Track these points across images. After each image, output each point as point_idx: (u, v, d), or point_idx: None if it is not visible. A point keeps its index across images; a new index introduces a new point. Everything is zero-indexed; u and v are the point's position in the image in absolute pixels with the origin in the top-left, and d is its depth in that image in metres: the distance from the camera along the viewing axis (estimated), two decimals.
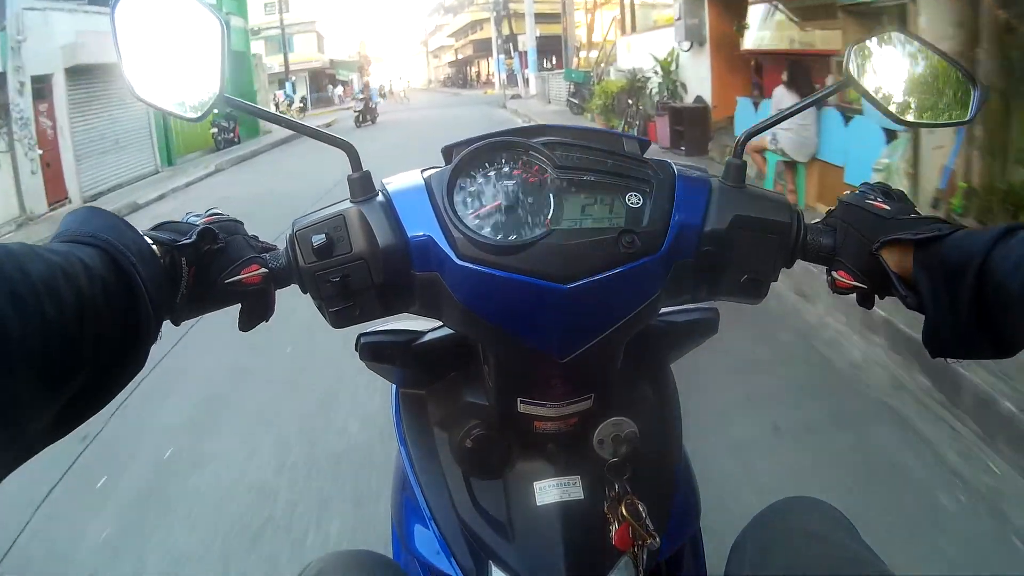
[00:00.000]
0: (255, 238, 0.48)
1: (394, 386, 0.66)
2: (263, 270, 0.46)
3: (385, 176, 0.52)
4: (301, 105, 19.36)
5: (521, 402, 0.53)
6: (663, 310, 0.55)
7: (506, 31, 25.13)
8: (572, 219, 0.47)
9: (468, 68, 43.85)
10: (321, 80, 33.20)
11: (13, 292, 0.26)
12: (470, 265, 0.45)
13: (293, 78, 30.70)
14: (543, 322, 0.46)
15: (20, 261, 0.27)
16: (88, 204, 0.40)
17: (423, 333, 0.61)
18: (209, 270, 0.43)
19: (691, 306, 0.63)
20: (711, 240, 0.49)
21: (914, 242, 0.42)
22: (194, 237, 0.40)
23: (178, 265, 0.39)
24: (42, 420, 0.28)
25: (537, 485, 0.57)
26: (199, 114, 0.46)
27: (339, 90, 29.49)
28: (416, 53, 71.72)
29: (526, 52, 17.36)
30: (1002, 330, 0.39)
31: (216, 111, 0.38)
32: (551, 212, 0.47)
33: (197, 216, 0.46)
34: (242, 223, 0.48)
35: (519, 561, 0.54)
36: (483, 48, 32.33)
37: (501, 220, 0.47)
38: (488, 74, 36.32)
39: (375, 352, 0.60)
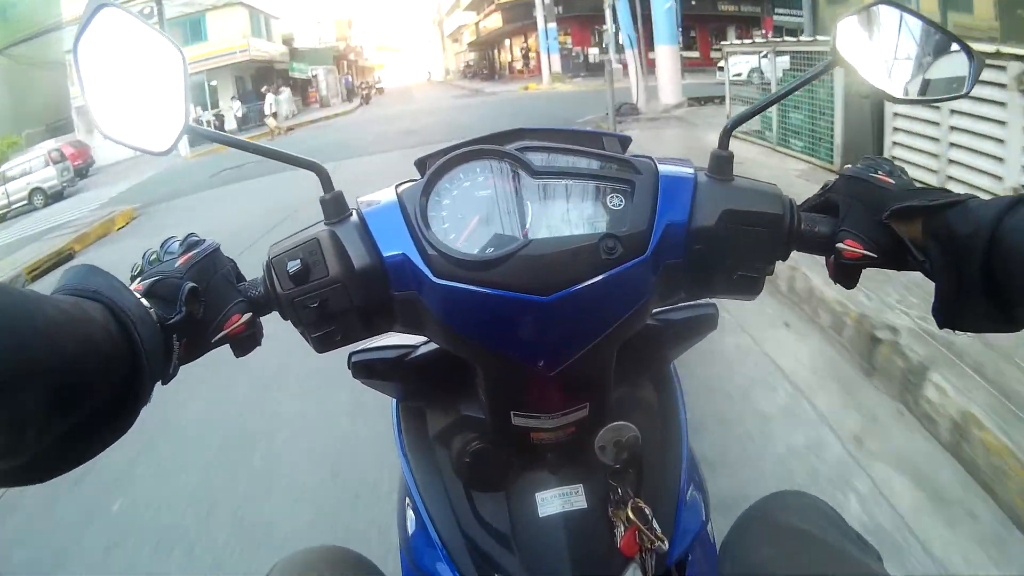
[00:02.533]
0: (233, 266, 0.61)
1: (394, 399, 0.81)
2: (247, 316, 0.58)
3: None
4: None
5: (514, 415, 0.65)
6: (659, 308, 0.68)
7: None
8: (551, 227, 0.57)
9: (494, 51, 42.59)
10: (270, 80, 24.57)
11: (29, 327, 0.35)
12: (447, 283, 0.55)
13: (214, 81, 23.24)
14: (527, 336, 0.56)
15: (28, 307, 0.36)
16: (86, 263, 0.53)
17: (416, 347, 0.74)
18: (197, 334, 0.55)
19: (688, 303, 0.75)
20: (700, 237, 0.58)
21: (926, 209, 0.52)
22: (183, 312, 0.52)
23: (170, 341, 0.50)
24: (26, 458, 0.36)
25: (539, 496, 0.69)
26: (167, 147, 0.58)
27: (282, 96, 25.10)
28: (430, 40, 68.09)
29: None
30: (1012, 303, 0.48)
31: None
32: (529, 221, 0.57)
33: (177, 243, 0.59)
34: (218, 248, 0.60)
35: (524, 573, 0.65)
36: (518, 15, 30.19)
37: (478, 233, 0.57)
38: (528, 58, 33.80)
39: (367, 370, 0.74)
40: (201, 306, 0.55)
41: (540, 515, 0.68)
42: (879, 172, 0.58)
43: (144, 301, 0.49)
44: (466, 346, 0.60)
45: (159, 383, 0.50)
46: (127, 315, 0.44)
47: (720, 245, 0.59)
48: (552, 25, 22.97)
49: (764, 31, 24.68)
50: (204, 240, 0.61)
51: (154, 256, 0.60)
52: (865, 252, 0.56)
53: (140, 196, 10.52)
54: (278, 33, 31.65)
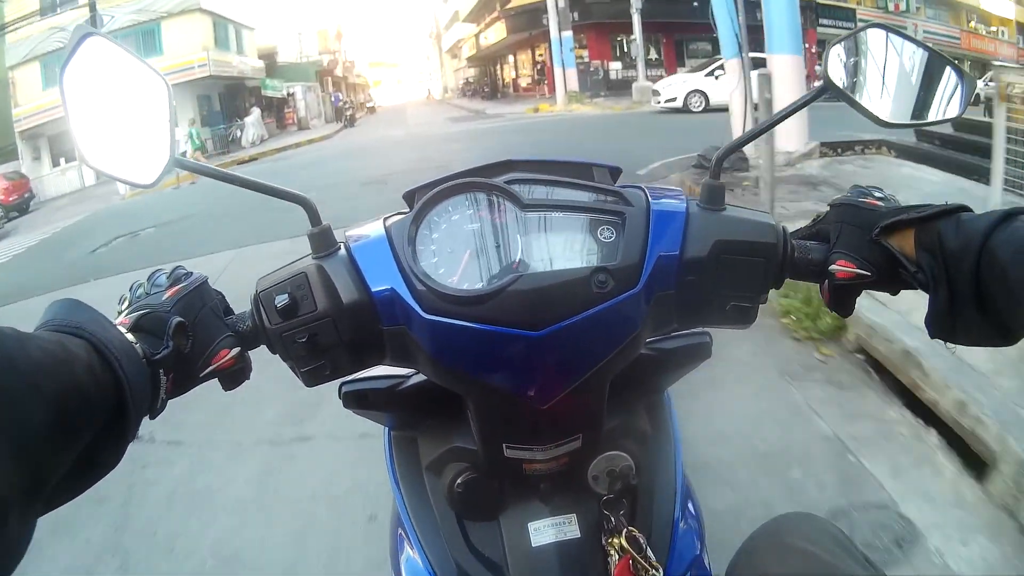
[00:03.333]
0: (221, 299, 0.67)
1: (386, 428, 0.89)
2: (235, 351, 0.63)
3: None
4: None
5: (507, 447, 0.71)
6: (652, 337, 0.74)
7: None
8: (542, 260, 0.62)
9: (496, 67, 42.03)
10: (243, 99, 22.30)
11: (10, 369, 0.39)
12: (436, 318, 0.60)
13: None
14: (518, 370, 0.61)
15: (9, 347, 0.40)
16: (70, 297, 0.57)
17: (407, 377, 0.80)
18: (185, 369, 0.60)
19: (682, 331, 0.82)
20: (692, 268, 0.63)
21: (916, 221, 0.58)
22: (170, 346, 0.56)
23: (156, 375, 0.55)
24: (17, 500, 0.39)
25: (532, 526, 0.75)
26: (152, 180, 0.62)
27: (248, 118, 25.31)
28: (428, 56, 67.59)
29: None
30: (1003, 317, 0.52)
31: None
32: (519, 255, 0.62)
33: (165, 275, 0.64)
34: (206, 281, 0.65)
35: None
36: (526, 24, 28.38)
37: (468, 267, 0.62)
38: (541, 72, 32.11)
39: (359, 400, 0.80)
40: (189, 340, 0.60)
41: (533, 545, 0.74)
42: (868, 197, 0.65)
43: (129, 336, 0.54)
44: (457, 380, 0.65)
45: (146, 418, 0.55)
46: (111, 351, 0.48)
47: (712, 275, 0.64)
48: (567, 34, 22.18)
49: (808, 45, 23.12)
50: (192, 273, 0.66)
51: (141, 289, 0.64)
52: (858, 271, 0.61)
53: None
54: (253, 46, 30.86)
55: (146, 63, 0.62)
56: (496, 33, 32.14)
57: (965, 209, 0.57)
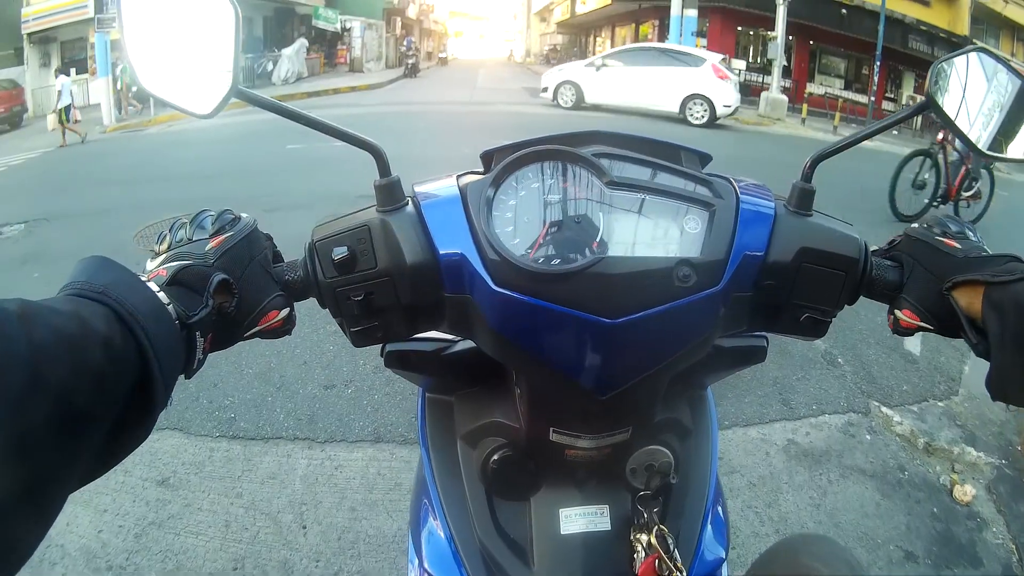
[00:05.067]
0: (270, 246, 0.67)
1: (421, 388, 0.90)
2: (284, 312, 0.63)
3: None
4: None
5: (553, 431, 0.72)
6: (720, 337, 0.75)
7: None
8: (623, 244, 0.62)
9: (588, 38, 38.80)
10: (291, 27, 17.64)
11: (4, 357, 0.38)
12: (507, 292, 0.60)
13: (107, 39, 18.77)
14: (584, 357, 0.61)
15: (16, 324, 0.40)
16: (98, 255, 0.56)
17: (454, 342, 0.82)
18: (228, 329, 0.61)
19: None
20: (773, 273, 0.65)
21: (987, 283, 0.59)
22: (209, 305, 0.56)
23: (193, 336, 0.55)
24: (55, 478, 0.41)
25: (563, 512, 0.76)
26: (210, 110, 0.62)
27: (289, 49, 16.67)
28: (516, 14, 64.01)
29: None
30: None
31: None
32: (600, 235, 0.62)
33: (211, 218, 0.63)
34: (255, 225, 0.65)
35: None
36: None
37: (545, 242, 0.62)
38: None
39: (401, 360, 0.81)
40: (235, 299, 0.60)
41: (561, 532, 0.76)
42: (945, 235, 0.66)
43: (162, 295, 0.53)
44: (517, 357, 0.66)
45: (181, 377, 0.56)
46: (136, 319, 0.48)
47: (792, 283, 0.66)
48: (692, 13, 18.37)
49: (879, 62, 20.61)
50: (240, 217, 0.65)
51: (182, 231, 0.63)
52: (920, 324, 0.64)
53: None
54: None
55: None
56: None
57: None
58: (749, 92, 19.61)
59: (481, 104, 17.14)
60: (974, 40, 21.06)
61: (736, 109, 14.52)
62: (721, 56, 15.40)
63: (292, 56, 23.13)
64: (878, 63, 18.01)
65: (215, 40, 0.61)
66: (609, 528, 0.76)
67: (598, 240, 0.61)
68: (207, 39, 0.61)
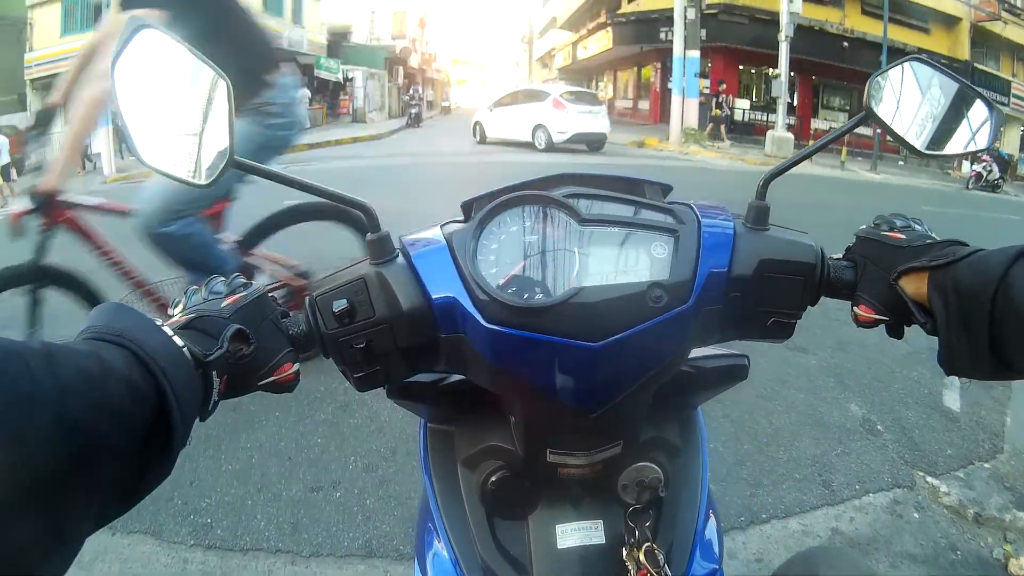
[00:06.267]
0: (282, 311, 0.70)
1: (422, 420, 0.96)
2: (297, 366, 0.67)
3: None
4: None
5: (550, 452, 0.76)
6: (693, 354, 0.80)
7: None
8: (599, 274, 0.68)
9: (590, 82, 39.56)
10: None
11: (32, 396, 0.40)
12: (498, 328, 0.64)
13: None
14: (574, 380, 0.66)
15: (42, 363, 0.41)
16: (113, 302, 0.60)
17: (450, 374, 0.86)
18: (242, 374, 0.63)
19: (721, 351, 0.90)
20: (738, 286, 0.70)
21: (928, 268, 0.64)
22: (225, 346, 0.59)
23: (209, 376, 0.57)
24: (78, 515, 0.42)
25: (559, 528, 0.81)
26: (209, 180, 0.64)
27: None
28: (517, 61, 65.49)
29: None
30: (1014, 350, 0.57)
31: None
32: (576, 268, 0.68)
33: (223, 283, 0.67)
34: (264, 291, 0.68)
35: None
36: (638, 35, 24.90)
37: (527, 280, 0.67)
38: (638, 97, 23.39)
39: (403, 391, 0.84)
40: (252, 347, 0.63)
41: (559, 547, 0.80)
42: (892, 230, 0.71)
43: (177, 339, 0.55)
44: (512, 387, 0.71)
45: (197, 420, 0.58)
46: (153, 360, 0.49)
47: (756, 292, 0.70)
48: (694, 54, 18.84)
49: None
50: (251, 283, 0.69)
51: (197, 295, 0.66)
52: (877, 317, 0.69)
53: None
54: (318, 19, 29.70)
55: (203, 57, 0.63)
56: (598, 43, 30.82)
57: (979, 251, 0.63)
58: (753, 131, 19.68)
59: (483, 154, 16.72)
60: (975, 64, 21.89)
61: (592, 136, 16.55)
62: (565, 89, 17.91)
63: None
64: None
65: (209, 111, 0.63)
66: (604, 541, 0.81)
67: (576, 272, 0.67)
68: (201, 111, 0.63)
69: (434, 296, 0.67)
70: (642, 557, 0.74)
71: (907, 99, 0.72)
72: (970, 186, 16.37)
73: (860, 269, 0.72)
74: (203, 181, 0.64)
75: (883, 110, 0.71)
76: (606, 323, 0.64)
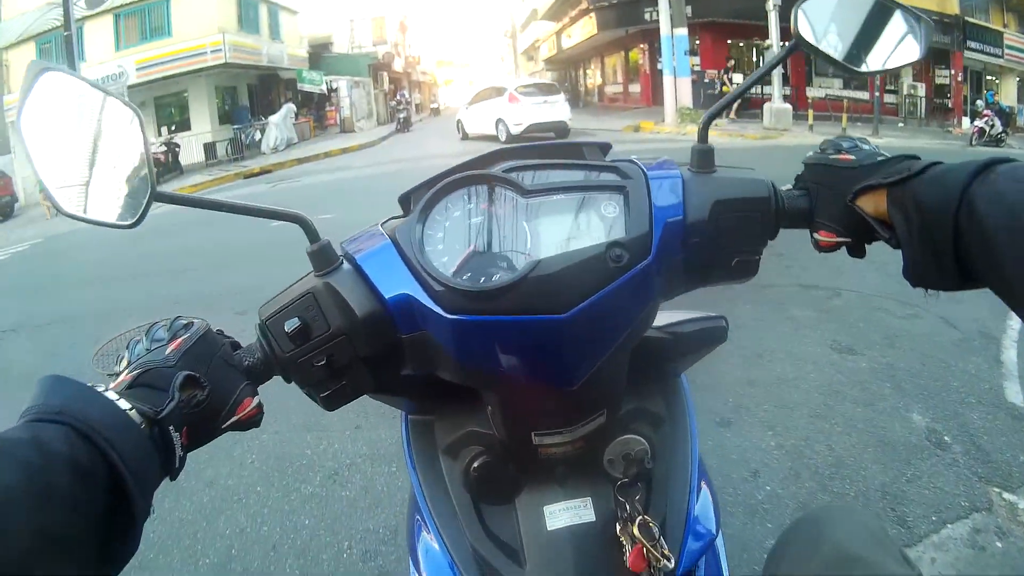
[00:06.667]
0: (230, 343, 0.67)
1: (403, 412, 0.93)
2: (257, 399, 0.64)
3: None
4: None
5: (535, 435, 0.75)
6: (669, 320, 0.86)
7: None
8: (553, 243, 0.66)
9: (577, 71, 39.64)
10: (276, 92, 17.42)
11: None
12: (460, 317, 0.63)
13: (186, 92, 18.34)
14: (547, 355, 0.65)
15: None
16: (53, 375, 0.54)
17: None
18: (202, 421, 0.60)
19: (698, 315, 0.90)
20: (696, 231, 0.70)
21: (886, 185, 0.64)
22: (176, 397, 0.56)
23: (167, 433, 0.54)
24: None
25: (547, 509, 0.79)
26: (134, 219, 0.61)
27: (275, 117, 23.29)
28: (503, 56, 65.44)
29: None
30: (978, 264, 0.57)
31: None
32: (529, 242, 0.66)
33: (163, 328, 0.63)
34: (208, 326, 0.65)
35: None
36: (622, 19, 24.47)
37: (481, 262, 0.65)
38: (628, 81, 30.70)
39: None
40: (206, 392, 0.60)
41: (548, 528, 0.78)
42: (839, 152, 0.71)
43: (123, 403, 0.53)
44: (485, 377, 0.69)
45: (167, 480, 0.56)
46: (98, 432, 0.47)
47: (715, 235, 0.70)
48: (682, 32, 18.15)
49: (953, 71, 21.24)
50: (192, 322, 0.65)
51: (140, 346, 0.63)
52: (838, 239, 0.70)
53: None
54: (296, 32, 29.79)
55: (111, 93, 0.61)
56: (582, 30, 30.13)
57: (936, 164, 0.64)
58: (749, 106, 19.29)
59: (467, 152, 16.16)
60: (965, 18, 21.32)
61: (550, 124, 17.01)
62: (521, 83, 19.36)
63: (280, 123, 23.03)
64: None
65: (123, 147, 0.60)
66: (594, 519, 0.79)
67: (529, 247, 0.66)
68: (115, 148, 0.60)
69: (388, 296, 0.66)
70: (636, 531, 0.73)
71: (834, 23, 0.73)
72: (973, 142, 15.91)
73: (814, 196, 0.73)
74: (130, 221, 0.60)
75: (813, 36, 0.72)
76: (569, 292, 0.63)
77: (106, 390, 0.54)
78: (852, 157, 0.69)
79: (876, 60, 0.74)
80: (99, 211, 0.61)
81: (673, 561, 0.72)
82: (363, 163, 17.41)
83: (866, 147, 0.72)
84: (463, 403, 0.82)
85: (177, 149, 19.34)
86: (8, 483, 0.40)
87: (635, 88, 29.60)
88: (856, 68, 0.74)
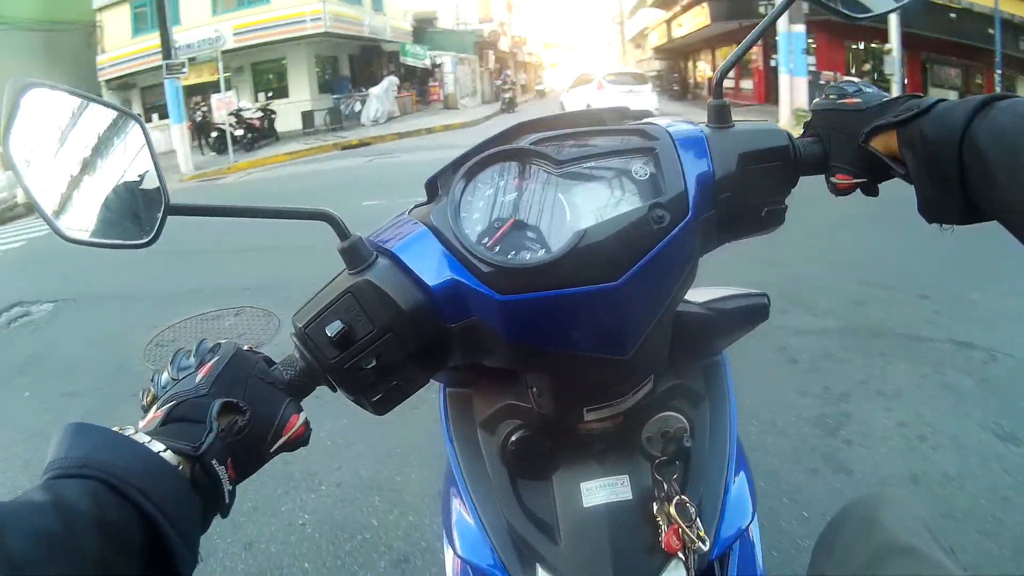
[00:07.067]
0: (263, 359, 0.63)
1: (441, 384, 0.94)
2: (303, 415, 0.62)
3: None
4: None
5: (587, 411, 0.75)
6: (711, 296, 0.86)
7: None
8: (594, 212, 0.66)
9: (687, 63, 36.73)
10: (378, 65, 18.30)
11: None
12: (516, 298, 0.62)
13: (284, 59, 18.87)
14: (602, 325, 0.65)
15: None
16: (75, 423, 0.47)
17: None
18: (248, 449, 0.56)
19: (740, 291, 0.90)
20: (725, 185, 0.70)
21: (895, 124, 0.66)
22: (215, 428, 0.52)
23: (210, 468, 0.51)
24: None
25: (584, 486, 0.79)
26: (150, 236, 0.57)
27: (377, 89, 22.58)
28: (610, 42, 65.17)
29: None
30: (983, 197, 0.59)
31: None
32: (568, 213, 0.66)
33: (190, 355, 0.61)
34: (237, 345, 0.62)
35: (566, 564, 0.74)
36: (736, 11, 22.87)
37: (520, 238, 0.65)
38: (740, 75, 27.88)
39: None
40: (248, 417, 0.56)
41: (584, 505, 0.77)
42: (844, 96, 0.73)
43: (155, 444, 0.49)
44: (540, 357, 0.68)
45: (218, 517, 0.54)
46: (129, 483, 0.44)
47: (742, 187, 0.71)
48: (800, 29, 16.43)
49: (1001, 70, 18.87)
50: (219, 344, 0.62)
51: (165, 376, 0.60)
52: (854, 181, 0.72)
53: None
54: (398, 5, 29.36)
55: (102, 101, 0.57)
56: (694, 20, 28.75)
57: (941, 101, 0.65)
58: None
59: None
60: None
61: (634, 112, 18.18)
62: (609, 71, 20.49)
63: (381, 95, 23.06)
64: (999, 71, 15.77)
65: (128, 160, 0.56)
66: (631, 497, 0.78)
67: (569, 218, 0.65)
68: (119, 161, 0.56)
69: (432, 285, 0.64)
70: (673, 511, 0.73)
71: None
72: None
73: (827, 141, 0.74)
74: (144, 239, 0.57)
75: None
76: (619, 258, 0.62)
77: (135, 432, 0.50)
78: (859, 100, 0.71)
79: (873, 3, 0.76)
80: (108, 232, 0.57)
81: (708, 543, 0.72)
82: (467, 142, 16.09)
83: (869, 90, 0.74)
84: (500, 376, 0.82)
85: (273, 116, 19.80)
86: (26, 557, 0.36)
87: (747, 84, 28.29)
88: (853, 13, 0.75)
